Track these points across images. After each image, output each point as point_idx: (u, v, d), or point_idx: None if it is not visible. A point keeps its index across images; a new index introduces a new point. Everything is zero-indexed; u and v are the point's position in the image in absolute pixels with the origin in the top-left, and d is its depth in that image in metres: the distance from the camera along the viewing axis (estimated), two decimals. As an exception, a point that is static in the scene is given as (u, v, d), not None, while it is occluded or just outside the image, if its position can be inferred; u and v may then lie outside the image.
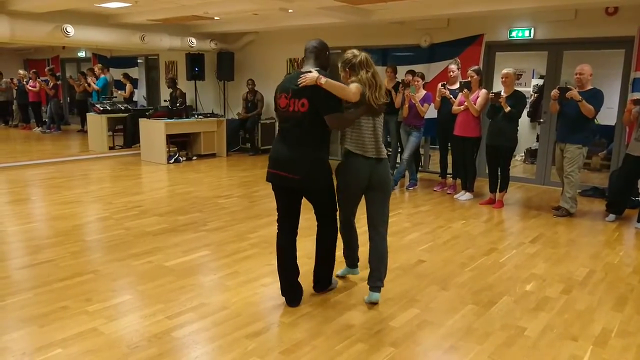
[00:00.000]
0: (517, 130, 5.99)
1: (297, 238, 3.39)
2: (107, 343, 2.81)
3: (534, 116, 9.27)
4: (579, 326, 3.15)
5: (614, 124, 6.98)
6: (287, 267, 3.36)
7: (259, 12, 8.10)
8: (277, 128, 9.77)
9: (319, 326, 3.06)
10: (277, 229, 3.40)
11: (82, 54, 14.28)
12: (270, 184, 3.33)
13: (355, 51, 3.35)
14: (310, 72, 3.13)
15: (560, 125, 5.83)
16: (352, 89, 3.15)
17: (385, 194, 3.37)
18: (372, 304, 3.37)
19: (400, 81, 7.36)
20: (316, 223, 3.44)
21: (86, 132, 10.95)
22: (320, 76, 3.06)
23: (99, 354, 2.70)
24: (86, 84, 11.99)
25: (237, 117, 10.27)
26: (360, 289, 3.62)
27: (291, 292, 3.37)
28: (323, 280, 3.55)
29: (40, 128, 13.21)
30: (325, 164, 3.25)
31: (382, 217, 3.39)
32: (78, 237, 4.72)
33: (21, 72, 13.91)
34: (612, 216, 5.66)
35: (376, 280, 3.38)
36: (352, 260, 3.79)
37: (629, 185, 5.68)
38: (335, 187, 3.39)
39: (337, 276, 3.76)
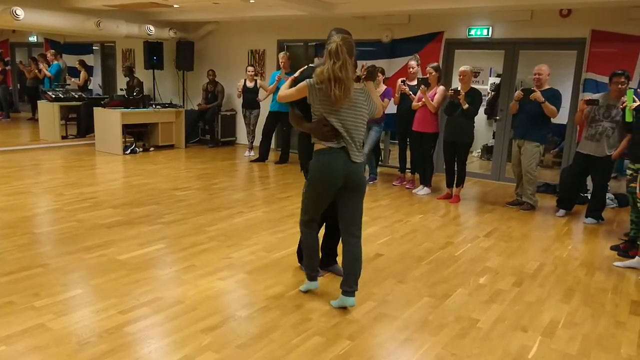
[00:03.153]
0: (474, 127, 6.13)
1: None
2: (55, 339, 2.71)
3: (490, 113, 9.49)
4: (528, 317, 3.26)
5: (565, 123, 7.23)
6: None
7: (220, 1, 7.96)
8: (245, 119, 9.67)
9: (275, 320, 3.05)
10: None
11: (33, 39, 13.66)
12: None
13: (336, 36, 3.04)
14: None
15: (518, 123, 5.99)
16: (287, 90, 3.19)
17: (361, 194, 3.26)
18: (344, 308, 3.24)
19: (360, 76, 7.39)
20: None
21: (37, 120, 10.52)
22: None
23: (46, 351, 2.60)
24: (37, 71, 11.50)
25: (196, 108, 10.09)
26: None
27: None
28: None
29: (-14, 115, 12.61)
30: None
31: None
32: (26, 229, 4.53)
33: (-33, 56, 13.22)
34: (562, 211, 5.86)
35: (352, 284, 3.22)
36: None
37: (579, 182, 5.89)
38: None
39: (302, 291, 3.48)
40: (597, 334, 3.08)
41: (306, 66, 3.43)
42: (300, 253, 3.72)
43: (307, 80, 3.09)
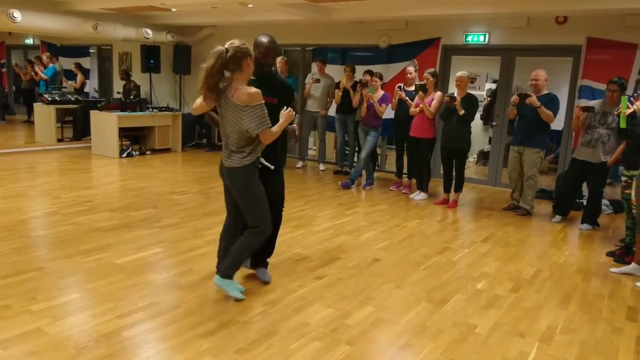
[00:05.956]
0: (471, 132, 6.15)
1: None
2: (52, 344, 2.69)
3: (486, 119, 9.53)
4: (526, 323, 3.26)
5: (561, 129, 7.27)
6: None
7: (218, 5, 7.96)
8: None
9: (274, 325, 3.04)
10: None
11: (29, 41, 13.63)
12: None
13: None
14: None
15: (517, 129, 6.01)
16: None
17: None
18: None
19: (358, 81, 7.43)
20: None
21: (33, 122, 10.48)
22: None
23: (43, 356, 2.58)
24: (33, 73, 11.47)
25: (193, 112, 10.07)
26: (315, 288, 3.63)
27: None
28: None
29: (-18, 117, 12.55)
30: None
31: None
32: (22, 232, 4.50)
33: (-38, 58, 13.19)
34: (558, 217, 5.89)
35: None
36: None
37: (575, 188, 5.92)
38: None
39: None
40: (594, 339, 3.09)
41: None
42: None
43: None
